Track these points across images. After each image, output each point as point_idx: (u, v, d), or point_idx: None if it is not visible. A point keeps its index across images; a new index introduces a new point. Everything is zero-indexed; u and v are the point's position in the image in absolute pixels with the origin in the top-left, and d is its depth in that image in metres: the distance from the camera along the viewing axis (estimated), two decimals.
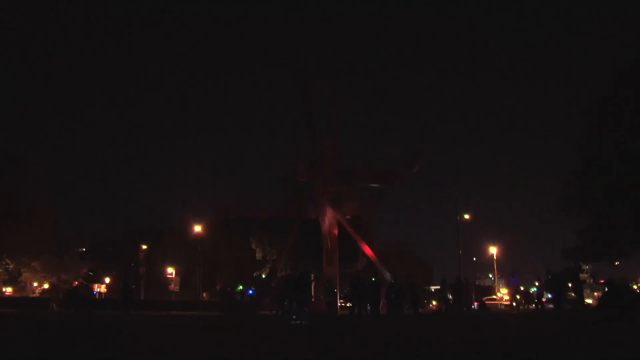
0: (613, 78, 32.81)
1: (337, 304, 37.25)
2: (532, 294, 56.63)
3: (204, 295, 67.51)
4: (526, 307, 45.83)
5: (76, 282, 61.93)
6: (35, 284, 68.61)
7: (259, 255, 61.46)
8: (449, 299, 34.87)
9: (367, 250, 45.53)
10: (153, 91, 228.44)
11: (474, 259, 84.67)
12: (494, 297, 67.48)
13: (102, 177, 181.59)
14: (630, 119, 29.38)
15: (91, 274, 72.33)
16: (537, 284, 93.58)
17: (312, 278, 33.77)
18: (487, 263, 79.14)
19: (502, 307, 53.72)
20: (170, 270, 72.21)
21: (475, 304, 42.45)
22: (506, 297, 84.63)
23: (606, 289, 20.34)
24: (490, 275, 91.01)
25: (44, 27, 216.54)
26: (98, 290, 75.17)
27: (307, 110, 45.58)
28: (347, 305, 43.64)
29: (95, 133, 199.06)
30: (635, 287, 54.82)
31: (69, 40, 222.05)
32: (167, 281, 72.48)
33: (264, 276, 53.47)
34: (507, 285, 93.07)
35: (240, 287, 40.84)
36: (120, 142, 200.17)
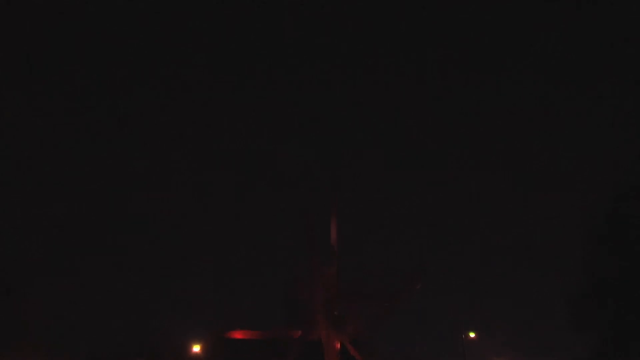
0: (613, 197, 33.50)
1: None
2: None
3: None
4: None
5: None
6: None
7: None
8: None
9: None
10: (151, 202, 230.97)
11: None
12: None
13: (96, 292, 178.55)
14: (632, 240, 29.65)
15: None
16: None
17: None
18: None
19: None
20: None
21: None
22: None
23: None
24: None
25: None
26: None
27: (308, 235, 46.17)
28: None
29: (91, 244, 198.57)
30: None
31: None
32: None
33: None
34: None
35: None
36: (117, 256, 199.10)
